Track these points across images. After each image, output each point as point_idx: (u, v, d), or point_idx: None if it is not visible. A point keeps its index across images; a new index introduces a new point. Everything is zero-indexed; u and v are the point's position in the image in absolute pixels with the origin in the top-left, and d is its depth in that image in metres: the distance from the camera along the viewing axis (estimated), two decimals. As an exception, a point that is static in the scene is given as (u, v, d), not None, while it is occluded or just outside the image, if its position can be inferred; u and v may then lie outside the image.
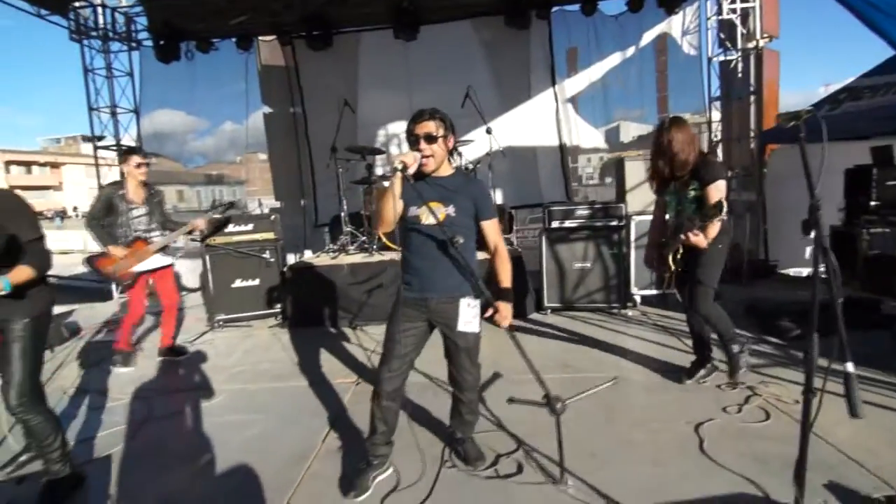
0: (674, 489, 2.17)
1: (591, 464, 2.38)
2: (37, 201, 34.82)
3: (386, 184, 2.42)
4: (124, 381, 3.76)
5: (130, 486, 2.43)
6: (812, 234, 1.64)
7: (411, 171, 2.09)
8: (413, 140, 2.19)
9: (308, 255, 5.69)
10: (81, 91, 6.62)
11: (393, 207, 2.10)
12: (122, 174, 3.84)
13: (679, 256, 3.00)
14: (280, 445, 2.71)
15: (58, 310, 3.44)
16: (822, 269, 1.67)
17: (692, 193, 2.96)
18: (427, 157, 2.15)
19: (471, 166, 5.51)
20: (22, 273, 2.13)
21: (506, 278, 2.26)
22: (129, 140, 7.32)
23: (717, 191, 2.84)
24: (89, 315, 5.84)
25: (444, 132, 2.18)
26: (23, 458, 2.59)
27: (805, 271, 6.45)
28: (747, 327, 4.30)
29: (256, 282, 5.04)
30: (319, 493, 2.27)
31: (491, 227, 2.29)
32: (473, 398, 2.40)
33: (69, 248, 15.75)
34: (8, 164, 37.52)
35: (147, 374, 3.91)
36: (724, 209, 2.66)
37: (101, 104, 6.94)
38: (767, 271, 6.36)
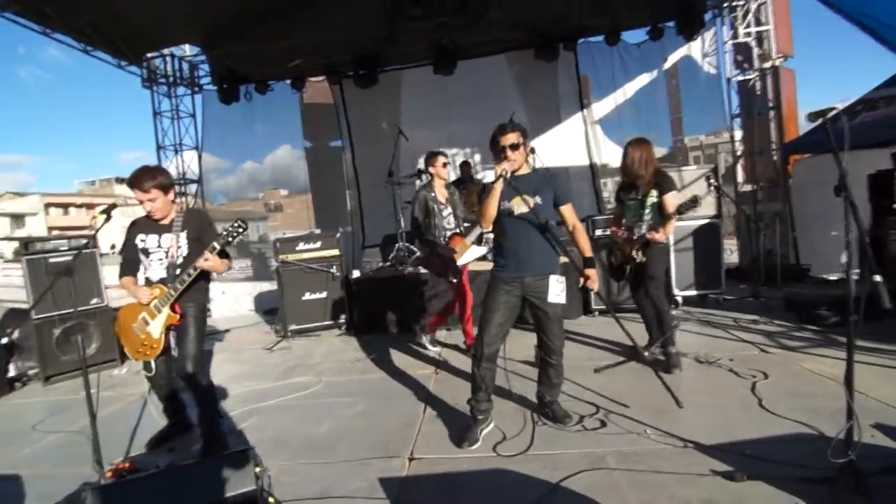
0: (741, 434, 2.60)
1: (663, 419, 2.81)
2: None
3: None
4: (224, 376, 4.31)
5: (276, 435, 2.95)
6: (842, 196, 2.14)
7: (508, 173, 2.66)
8: (500, 150, 2.75)
9: (367, 270, 6.26)
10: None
11: (494, 207, 2.69)
12: (431, 176, 4.22)
13: (640, 251, 3.64)
14: (388, 416, 3.20)
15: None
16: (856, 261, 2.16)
17: (652, 201, 3.62)
18: (514, 164, 2.72)
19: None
20: (220, 264, 2.76)
21: (587, 249, 2.82)
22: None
23: (674, 198, 3.58)
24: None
25: (523, 140, 2.77)
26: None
27: (835, 275, 6.81)
28: (788, 319, 4.73)
29: (324, 294, 5.61)
30: (436, 445, 2.75)
31: (568, 210, 2.83)
32: (560, 363, 2.87)
33: (109, 284, 16.52)
34: (47, 206, 39.81)
35: (244, 370, 4.47)
36: (696, 204, 3.51)
37: (167, 143, 7.78)
38: (800, 274, 6.72)
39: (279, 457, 2.68)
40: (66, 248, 4.68)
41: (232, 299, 7.90)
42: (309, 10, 7.13)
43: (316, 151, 9.22)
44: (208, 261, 2.72)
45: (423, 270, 5.18)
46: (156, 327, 2.83)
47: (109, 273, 4.84)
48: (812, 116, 2.29)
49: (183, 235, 2.89)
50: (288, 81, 7.93)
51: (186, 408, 3.21)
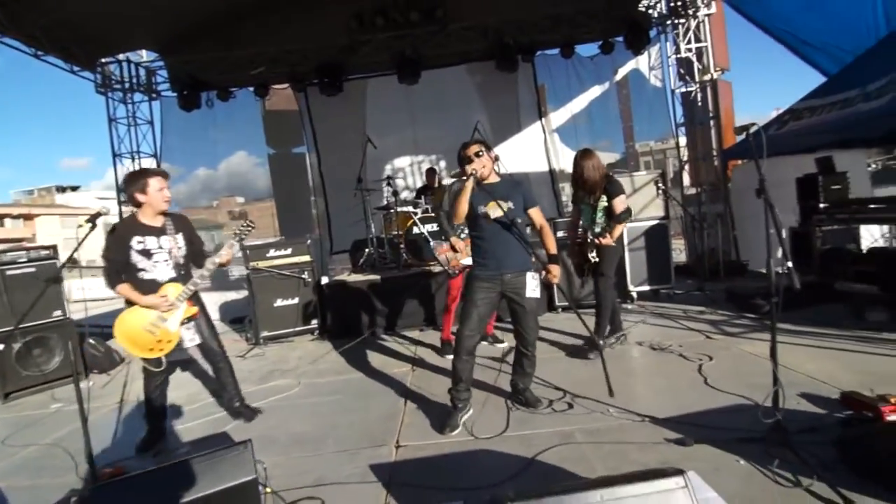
0: (690, 407, 2.95)
1: (623, 399, 3.13)
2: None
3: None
4: (199, 383, 4.34)
5: (263, 434, 3.11)
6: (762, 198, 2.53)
7: (478, 173, 2.94)
8: (466, 160, 3.03)
9: (343, 275, 6.37)
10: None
11: (465, 204, 2.95)
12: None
13: (594, 252, 4.06)
14: (370, 411, 3.39)
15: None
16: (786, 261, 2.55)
17: (603, 204, 4.06)
18: (482, 170, 2.99)
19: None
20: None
21: (552, 247, 3.14)
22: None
23: (621, 202, 4.02)
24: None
25: (485, 149, 3.07)
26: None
27: (783, 273, 7.51)
28: (729, 309, 5.25)
29: (295, 300, 5.68)
30: (419, 434, 2.96)
31: (536, 212, 3.15)
32: (533, 353, 3.15)
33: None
34: None
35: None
36: (630, 215, 4.02)
37: (123, 150, 7.61)
38: (741, 269, 7.37)
39: (269, 453, 2.80)
40: (24, 259, 4.54)
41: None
42: (271, 18, 7.21)
43: (278, 158, 9.23)
44: (223, 256, 3.04)
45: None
46: (173, 322, 2.98)
47: (74, 286, 4.78)
48: (737, 130, 2.70)
49: (179, 237, 3.09)
50: (251, 89, 7.94)
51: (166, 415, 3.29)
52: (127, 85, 7.57)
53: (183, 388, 4.27)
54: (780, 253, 2.69)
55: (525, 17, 7.44)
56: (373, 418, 3.24)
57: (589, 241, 4.03)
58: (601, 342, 4.07)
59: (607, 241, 3.94)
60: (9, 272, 4.41)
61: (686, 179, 8.73)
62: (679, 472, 1.77)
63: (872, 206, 5.68)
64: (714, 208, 8.03)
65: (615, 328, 4.33)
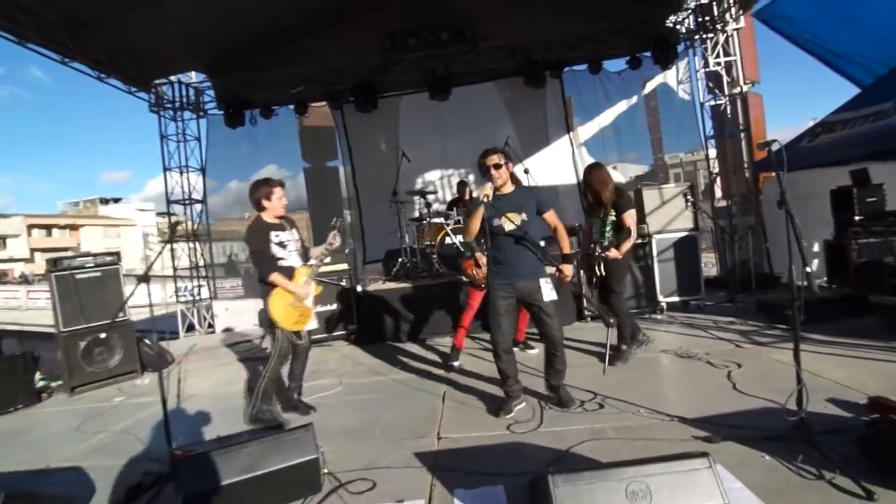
0: (718, 409, 3.10)
1: (653, 401, 3.31)
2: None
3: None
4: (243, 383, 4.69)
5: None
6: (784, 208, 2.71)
7: (490, 197, 3.12)
8: (485, 169, 3.26)
9: (378, 283, 6.70)
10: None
11: (477, 224, 3.19)
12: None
13: (601, 265, 4.17)
14: (411, 408, 3.65)
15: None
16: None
17: (612, 218, 4.17)
18: (497, 181, 3.20)
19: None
20: None
21: (565, 247, 3.35)
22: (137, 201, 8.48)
23: (630, 216, 4.13)
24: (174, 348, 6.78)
25: (505, 160, 3.26)
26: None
27: (805, 282, 7.49)
28: (760, 320, 5.33)
29: (333, 306, 6.02)
30: (459, 428, 3.20)
31: (550, 215, 3.34)
32: (561, 352, 3.31)
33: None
34: (30, 227, 39.30)
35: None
36: (630, 235, 4.08)
37: (173, 165, 8.19)
38: (773, 281, 7.36)
39: (320, 441, 3.04)
40: (91, 265, 5.02)
41: (235, 315, 8.26)
42: (310, 40, 7.69)
43: (313, 172, 9.70)
44: (333, 245, 3.68)
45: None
46: (309, 300, 3.66)
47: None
48: (760, 145, 2.89)
49: (294, 231, 3.75)
50: (291, 106, 8.44)
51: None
52: (178, 104, 8.15)
53: (241, 383, 4.63)
54: (813, 263, 2.84)
55: (552, 35, 7.71)
56: (414, 414, 3.50)
57: (597, 254, 4.14)
58: (624, 347, 4.22)
59: (613, 254, 4.05)
60: (78, 276, 4.89)
61: (717, 192, 8.80)
62: (705, 454, 1.98)
63: None
64: (745, 220, 8.07)
65: (635, 335, 4.45)
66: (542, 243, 3.46)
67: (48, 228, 40.00)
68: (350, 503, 2.37)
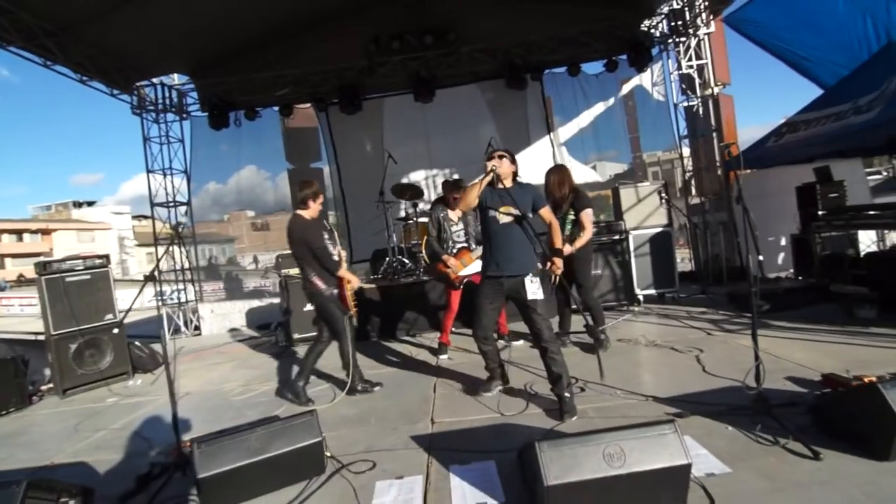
0: (689, 389, 3.41)
1: (629, 384, 3.60)
2: (27, 268, 35.32)
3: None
4: (242, 379, 4.85)
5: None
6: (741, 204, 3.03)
7: (498, 172, 3.32)
8: (490, 157, 3.46)
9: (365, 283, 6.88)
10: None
11: (474, 195, 3.33)
12: (447, 200, 4.99)
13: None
14: (405, 397, 3.88)
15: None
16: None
17: (570, 217, 4.53)
18: (499, 169, 3.36)
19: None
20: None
21: (557, 242, 3.61)
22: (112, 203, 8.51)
23: (588, 216, 4.46)
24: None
25: (511, 158, 3.51)
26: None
27: (773, 274, 7.94)
28: (730, 309, 5.71)
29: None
30: (451, 413, 3.44)
31: (545, 211, 3.55)
32: (554, 349, 3.34)
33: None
34: (0, 232, 38.12)
35: (259, 374, 5.02)
36: (589, 231, 4.42)
37: (156, 167, 8.25)
38: (744, 274, 7.79)
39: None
40: (81, 267, 5.11)
41: (220, 317, 8.36)
42: (294, 42, 7.83)
43: (297, 173, 9.80)
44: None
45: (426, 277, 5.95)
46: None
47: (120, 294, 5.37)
48: (721, 148, 3.20)
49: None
50: (276, 108, 8.56)
51: None
52: (160, 106, 8.21)
53: (236, 380, 4.78)
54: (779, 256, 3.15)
55: (532, 39, 8.00)
56: (407, 402, 3.73)
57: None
58: (603, 337, 4.54)
59: (567, 249, 4.28)
60: (68, 279, 4.98)
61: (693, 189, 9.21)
62: (671, 420, 2.26)
63: (867, 212, 6.03)
64: (718, 216, 8.49)
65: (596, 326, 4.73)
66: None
67: (19, 233, 38.88)
68: (353, 481, 2.57)
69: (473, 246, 4.91)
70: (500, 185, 3.39)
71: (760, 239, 8.28)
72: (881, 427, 2.38)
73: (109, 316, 5.21)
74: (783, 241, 8.01)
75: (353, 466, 2.72)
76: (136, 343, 5.57)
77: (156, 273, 3.13)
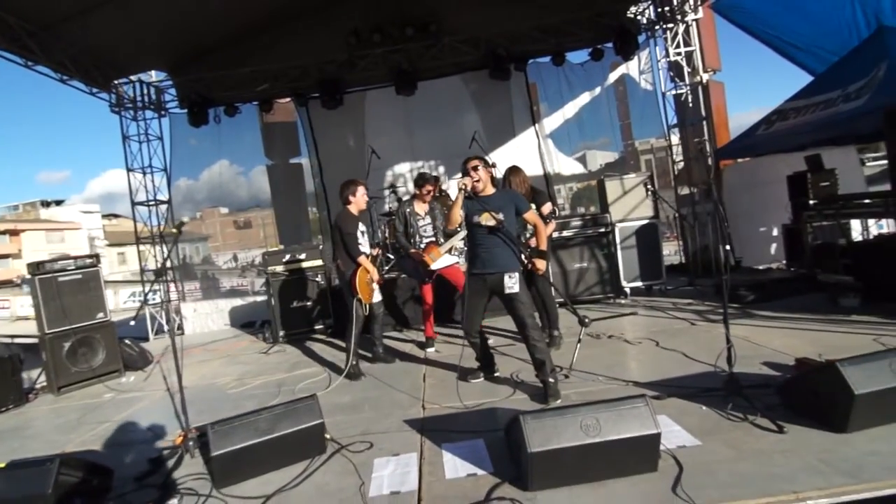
0: (669, 374, 3.78)
1: (612, 371, 3.97)
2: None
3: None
4: (235, 374, 5.20)
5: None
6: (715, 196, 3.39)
7: (471, 185, 3.73)
8: (465, 171, 3.82)
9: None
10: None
11: (457, 212, 3.74)
12: (415, 195, 5.38)
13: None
14: (395, 386, 4.24)
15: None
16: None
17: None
18: (476, 181, 3.77)
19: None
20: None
21: (541, 243, 3.96)
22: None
23: (548, 207, 4.86)
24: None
25: (484, 164, 3.87)
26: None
27: (762, 265, 8.34)
28: (716, 301, 6.09)
29: (310, 302, 6.52)
30: (440, 400, 3.79)
31: (529, 214, 3.93)
32: (534, 335, 3.70)
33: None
34: None
35: (250, 369, 5.35)
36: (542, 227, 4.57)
37: (136, 166, 8.48)
38: (733, 266, 8.14)
39: (316, 418, 3.62)
40: (73, 267, 5.40)
41: (202, 316, 8.63)
42: (273, 37, 8.07)
43: (276, 169, 10.05)
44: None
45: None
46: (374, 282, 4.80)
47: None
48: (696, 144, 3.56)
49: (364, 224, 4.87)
50: (255, 104, 8.81)
51: None
52: (139, 104, 8.43)
53: (228, 375, 5.14)
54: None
55: (515, 28, 8.22)
56: (398, 391, 4.10)
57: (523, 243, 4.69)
58: (555, 333, 4.88)
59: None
60: (60, 279, 5.27)
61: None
62: (642, 396, 2.63)
63: (857, 201, 6.33)
64: (707, 207, 8.85)
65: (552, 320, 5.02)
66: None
67: (-13, 234, 38.44)
68: (352, 459, 2.92)
69: (441, 240, 5.23)
70: (482, 194, 3.81)
71: (752, 229, 8.56)
72: (839, 402, 2.72)
73: (100, 315, 5.51)
74: (775, 232, 8.33)
75: (351, 447, 3.07)
76: (126, 342, 5.85)
77: (163, 269, 3.43)
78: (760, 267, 8.27)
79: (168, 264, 8.25)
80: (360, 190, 4.80)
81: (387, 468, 2.78)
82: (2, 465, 2.42)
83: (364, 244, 4.79)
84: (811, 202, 6.77)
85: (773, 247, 8.49)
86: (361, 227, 4.77)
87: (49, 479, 2.32)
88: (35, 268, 5.20)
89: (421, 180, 5.39)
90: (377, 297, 4.92)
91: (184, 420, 3.32)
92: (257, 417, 2.86)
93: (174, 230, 3.46)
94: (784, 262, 7.90)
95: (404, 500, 2.50)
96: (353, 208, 4.77)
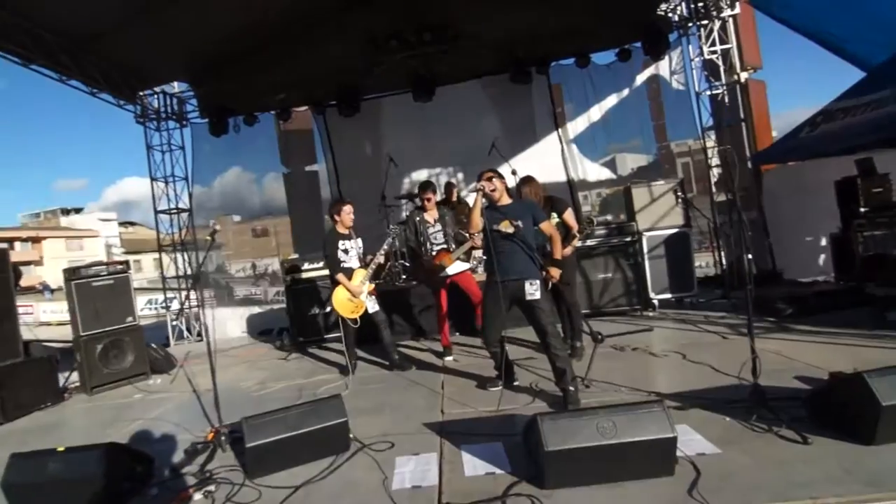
0: (695, 387, 3.92)
1: (635, 383, 4.12)
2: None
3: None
4: (255, 379, 5.61)
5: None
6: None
7: (487, 190, 4.01)
8: (480, 178, 4.12)
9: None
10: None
11: (477, 214, 4.00)
12: (423, 202, 5.63)
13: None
14: (414, 393, 4.54)
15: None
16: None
17: (555, 221, 4.91)
18: (492, 190, 4.05)
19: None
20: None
21: (556, 252, 4.20)
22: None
23: (570, 214, 5.06)
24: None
25: (499, 176, 4.15)
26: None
27: (808, 278, 8.14)
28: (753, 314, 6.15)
29: (327, 309, 6.86)
30: (459, 406, 4.03)
31: (546, 225, 4.17)
32: (554, 344, 3.92)
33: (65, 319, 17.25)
34: None
35: (269, 374, 5.73)
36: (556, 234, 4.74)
37: (159, 175, 9.07)
38: (774, 277, 7.94)
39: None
40: (105, 273, 5.95)
41: (220, 323, 9.05)
42: (291, 46, 8.41)
43: (293, 177, 10.51)
44: (384, 253, 5.30)
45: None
46: (364, 294, 5.20)
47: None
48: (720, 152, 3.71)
49: (359, 241, 5.39)
50: (273, 113, 9.26)
51: None
52: (162, 114, 9.02)
53: (251, 379, 5.57)
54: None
55: (536, 29, 8.15)
56: (417, 397, 4.39)
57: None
58: (577, 344, 5.06)
59: (568, 250, 4.83)
60: (94, 284, 5.83)
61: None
62: (659, 400, 2.82)
63: None
64: (747, 215, 8.65)
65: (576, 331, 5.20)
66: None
67: (10, 242, 40.52)
68: (375, 457, 3.22)
69: (453, 247, 5.45)
70: (499, 204, 4.10)
71: (797, 239, 8.31)
72: (866, 413, 2.81)
73: (130, 319, 6.04)
74: (823, 242, 8.01)
75: (374, 446, 3.36)
76: (153, 345, 6.32)
77: (198, 274, 3.79)
78: (805, 280, 8.08)
79: (168, 272, 8.82)
80: (346, 209, 5.29)
81: (408, 465, 3.05)
82: (61, 448, 2.80)
83: (349, 260, 5.24)
84: (862, 209, 6.62)
85: (822, 258, 8.15)
86: (346, 244, 5.24)
87: (101, 463, 2.73)
88: (71, 273, 5.77)
89: (421, 188, 5.67)
90: (373, 305, 5.30)
91: (216, 416, 3.68)
92: (287, 414, 3.20)
93: (208, 238, 3.86)
94: (833, 274, 7.59)
95: (426, 493, 2.76)
96: (340, 227, 5.26)
